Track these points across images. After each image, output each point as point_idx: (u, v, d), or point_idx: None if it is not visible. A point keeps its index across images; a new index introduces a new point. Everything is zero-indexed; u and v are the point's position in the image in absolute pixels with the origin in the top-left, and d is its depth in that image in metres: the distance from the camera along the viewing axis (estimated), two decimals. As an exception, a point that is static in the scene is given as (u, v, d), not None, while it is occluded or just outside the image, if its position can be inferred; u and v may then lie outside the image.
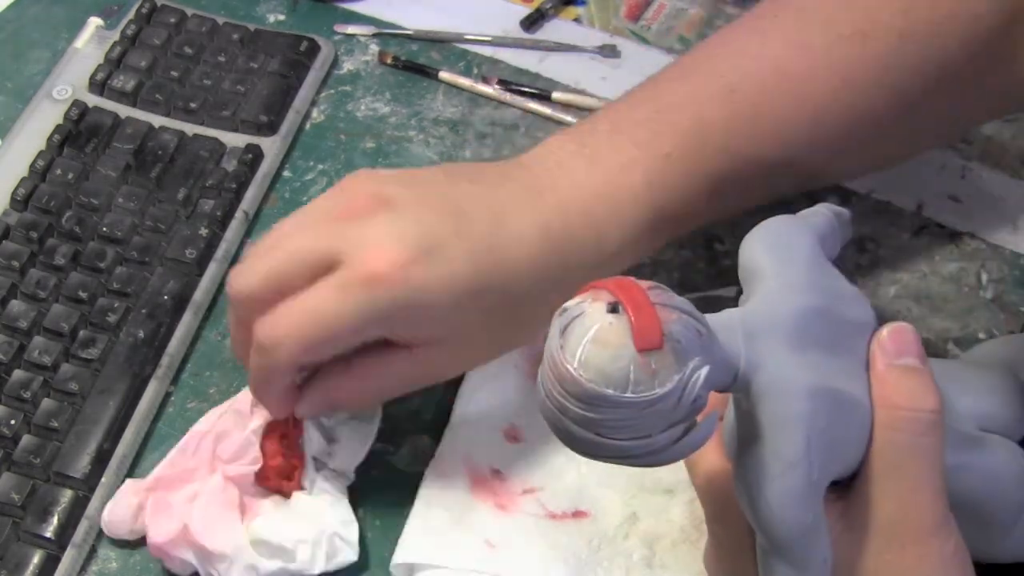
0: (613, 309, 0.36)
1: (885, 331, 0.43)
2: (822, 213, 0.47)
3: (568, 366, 0.35)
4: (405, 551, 0.55)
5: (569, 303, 0.37)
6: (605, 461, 0.38)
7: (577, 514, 0.56)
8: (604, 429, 0.36)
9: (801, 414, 0.39)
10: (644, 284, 0.37)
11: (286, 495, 0.56)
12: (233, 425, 0.57)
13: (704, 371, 0.36)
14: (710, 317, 0.39)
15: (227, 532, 0.54)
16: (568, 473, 0.58)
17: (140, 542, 0.57)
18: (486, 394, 0.60)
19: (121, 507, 0.57)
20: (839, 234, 0.47)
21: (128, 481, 0.58)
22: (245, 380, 0.63)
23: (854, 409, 0.41)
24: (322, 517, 0.55)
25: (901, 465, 0.41)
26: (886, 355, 0.42)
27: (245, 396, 0.58)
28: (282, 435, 0.56)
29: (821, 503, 0.40)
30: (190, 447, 0.57)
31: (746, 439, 0.40)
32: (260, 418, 0.56)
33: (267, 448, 0.56)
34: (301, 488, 0.56)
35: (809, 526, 0.40)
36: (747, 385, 0.39)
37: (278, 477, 0.56)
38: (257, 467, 0.56)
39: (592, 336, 0.35)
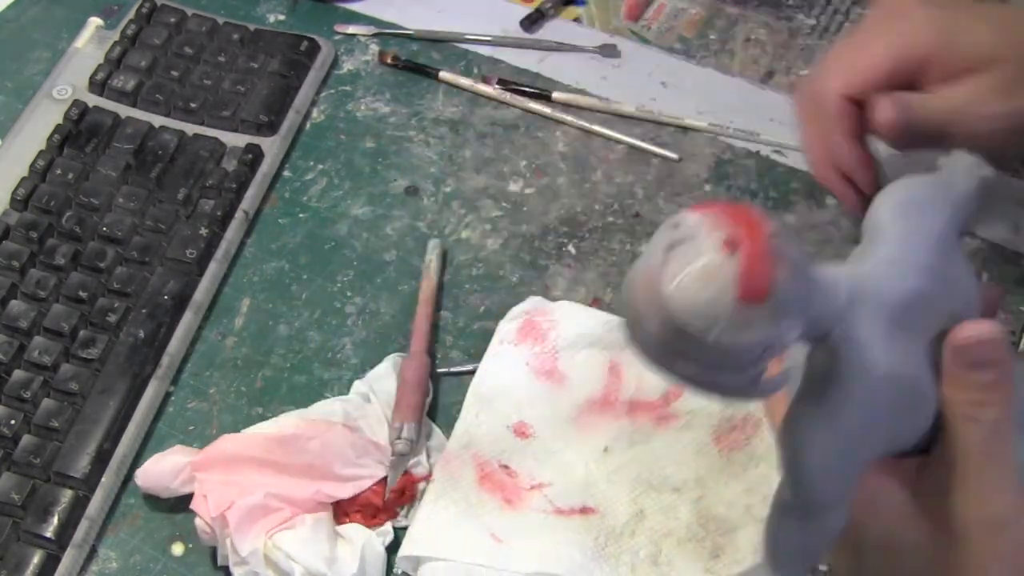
0: (729, 243, 0.33)
1: (967, 329, 0.41)
2: (964, 180, 0.44)
3: (662, 285, 0.33)
4: (412, 544, 0.55)
5: (684, 218, 0.34)
6: (668, 379, 0.36)
7: (584, 510, 0.56)
8: (673, 354, 0.34)
9: (871, 400, 0.38)
10: (769, 225, 0.33)
11: (343, 520, 0.57)
12: (346, 447, 0.57)
13: (794, 334, 0.34)
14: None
15: (253, 537, 0.54)
16: (576, 469, 0.58)
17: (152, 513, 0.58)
18: (496, 390, 0.60)
19: (164, 464, 0.57)
20: (977, 202, 0.44)
21: (179, 446, 0.58)
22: (246, 380, 0.63)
23: (920, 399, 0.40)
24: (348, 558, 0.55)
25: (982, 466, 0.41)
26: (965, 356, 0.41)
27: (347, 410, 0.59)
28: (401, 490, 0.57)
29: (856, 480, 0.40)
30: (278, 443, 0.57)
31: (809, 392, 0.39)
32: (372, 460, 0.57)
33: (376, 486, 0.56)
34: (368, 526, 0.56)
35: (840, 499, 0.40)
36: (832, 349, 0.38)
37: (362, 508, 0.56)
38: (353, 493, 0.56)
39: (698, 267, 0.33)
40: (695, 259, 0.33)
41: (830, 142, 0.58)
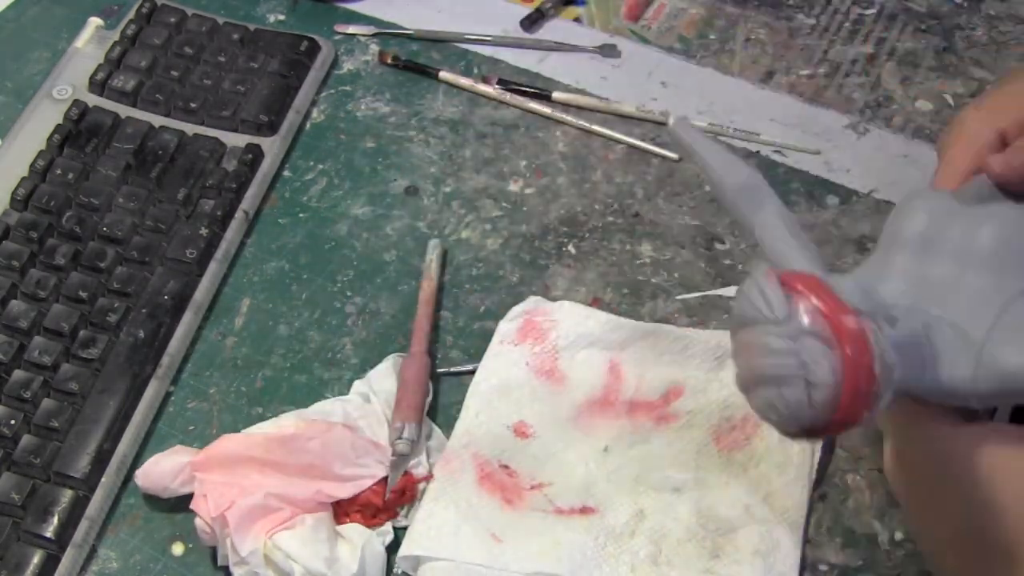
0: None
1: None
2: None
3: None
4: (412, 543, 0.55)
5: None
6: None
7: (584, 510, 0.56)
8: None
9: None
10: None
11: (343, 519, 0.57)
12: (346, 447, 0.57)
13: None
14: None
15: (253, 537, 0.54)
16: (576, 469, 0.58)
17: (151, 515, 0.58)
18: (496, 390, 0.60)
19: (164, 465, 0.57)
20: None
21: (179, 446, 0.58)
22: (246, 380, 0.63)
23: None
24: (348, 558, 0.54)
25: None
26: None
27: (346, 411, 0.59)
28: (402, 490, 0.57)
29: None
30: (279, 443, 0.57)
31: None
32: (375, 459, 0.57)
33: (376, 486, 0.56)
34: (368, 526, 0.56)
35: None
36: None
37: (362, 508, 0.56)
38: (354, 492, 0.56)
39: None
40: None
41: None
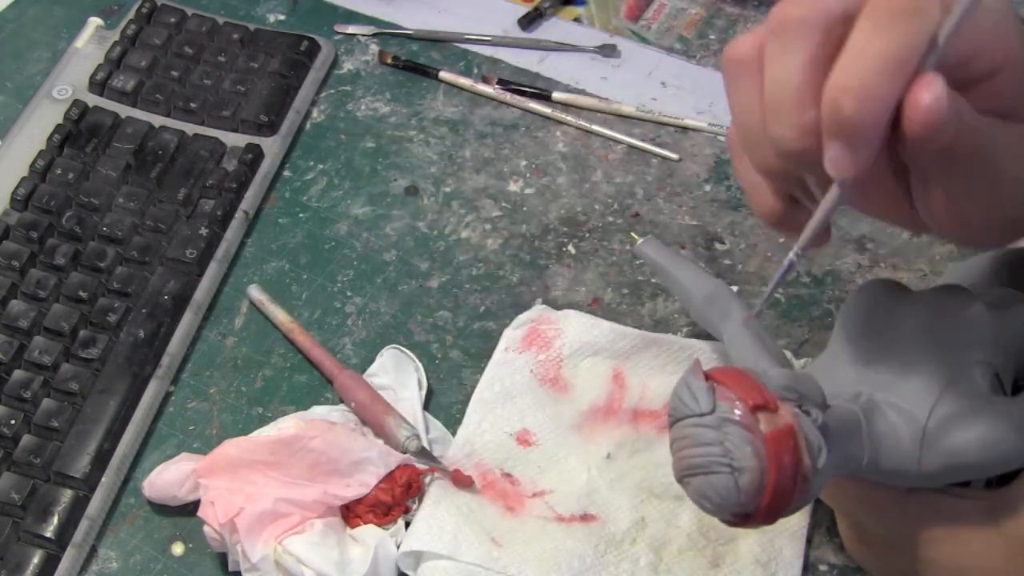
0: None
1: None
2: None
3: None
4: (412, 540, 0.55)
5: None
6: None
7: (586, 517, 0.56)
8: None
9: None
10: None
11: (355, 522, 0.56)
12: (349, 442, 0.56)
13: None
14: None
15: (264, 543, 0.54)
16: (578, 477, 0.57)
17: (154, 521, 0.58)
18: (499, 397, 0.60)
19: (170, 474, 0.57)
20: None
21: (184, 453, 0.58)
22: (246, 380, 0.63)
23: None
24: (360, 560, 0.54)
25: None
26: None
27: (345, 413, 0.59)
28: (408, 484, 0.56)
29: None
30: (282, 445, 0.56)
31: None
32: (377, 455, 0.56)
33: (383, 483, 0.56)
34: (379, 525, 0.56)
35: None
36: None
37: (373, 507, 0.56)
38: (361, 492, 0.56)
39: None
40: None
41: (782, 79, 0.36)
